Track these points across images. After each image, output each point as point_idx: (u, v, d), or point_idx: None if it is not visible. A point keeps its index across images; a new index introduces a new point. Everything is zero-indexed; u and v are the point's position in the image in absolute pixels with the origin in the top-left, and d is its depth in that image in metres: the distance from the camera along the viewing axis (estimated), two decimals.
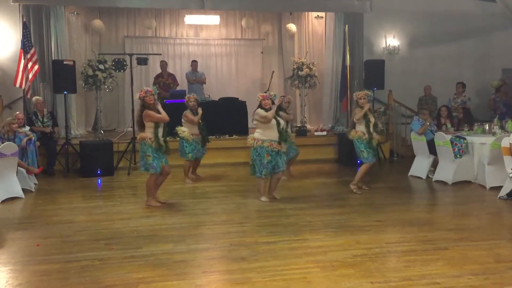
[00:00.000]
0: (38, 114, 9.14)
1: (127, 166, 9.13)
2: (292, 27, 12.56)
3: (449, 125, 8.81)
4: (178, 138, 8.06)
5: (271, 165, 6.60)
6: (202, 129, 8.16)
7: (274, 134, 6.58)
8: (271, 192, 6.90)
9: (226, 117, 10.29)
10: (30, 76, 9.23)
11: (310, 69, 11.20)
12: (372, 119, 7.36)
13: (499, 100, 10.89)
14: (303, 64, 11.24)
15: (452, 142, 7.96)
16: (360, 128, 7.30)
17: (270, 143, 6.53)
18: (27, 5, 9.67)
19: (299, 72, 11.18)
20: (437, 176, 8.27)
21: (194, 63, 11.74)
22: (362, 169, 7.43)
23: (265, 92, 6.96)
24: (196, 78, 11.58)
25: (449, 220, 6.01)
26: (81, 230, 5.58)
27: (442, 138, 8.10)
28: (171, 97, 10.46)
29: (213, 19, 12.45)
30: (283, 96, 8.74)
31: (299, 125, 11.33)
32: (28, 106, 9.56)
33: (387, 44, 11.70)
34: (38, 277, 4.22)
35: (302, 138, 10.35)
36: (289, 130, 8.04)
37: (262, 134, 6.61)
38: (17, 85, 9.20)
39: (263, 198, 6.80)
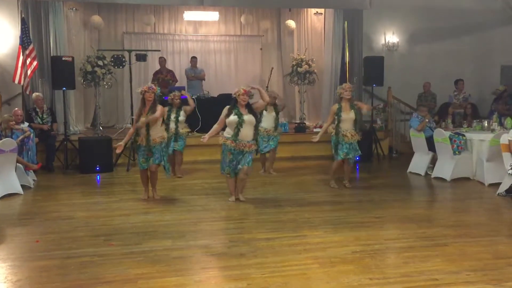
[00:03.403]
0: (38, 110, 9.13)
1: (126, 162, 9.13)
2: (291, 23, 12.53)
3: (449, 120, 8.84)
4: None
5: (232, 163, 6.44)
6: None
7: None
8: (237, 193, 6.70)
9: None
10: (29, 72, 9.20)
11: (309, 65, 11.18)
12: (348, 116, 7.17)
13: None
14: (302, 60, 11.22)
15: (451, 139, 7.96)
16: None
17: (231, 141, 6.35)
18: (25, 0, 9.63)
19: (298, 69, 11.16)
20: (436, 172, 8.28)
21: (193, 59, 11.71)
22: (332, 165, 7.52)
23: (247, 87, 6.59)
24: (195, 74, 11.56)
25: (448, 216, 6.03)
26: (80, 226, 5.59)
27: (441, 135, 8.11)
28: (170, 93, 10.42)
29: (212, 16, 12.41)
30: (268, 91, 8.68)
31: (298, 121, 11.32)
32: (27, 102, 9.54)
33: (387, 41, 11.69)
34: (38, 273, 4.23)
35: (301, 134, 10.35)
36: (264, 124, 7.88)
37: (226, 132, 6.49)
38: (16, 81, 9.18)
39: (230, 198, 6.64)
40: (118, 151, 6.70)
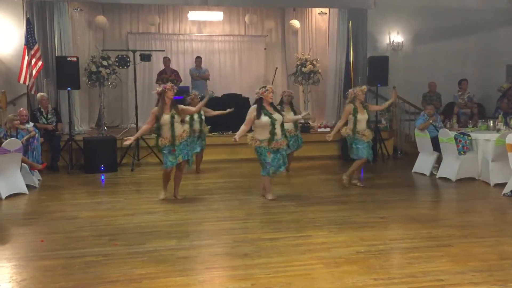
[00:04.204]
0: (43, 110, 9.16)
1: (131, 162, 9.14)
2: (295, 23, 12.53)
3: (454, 120, 8.82)
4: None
5: (275, 162, 6.48)
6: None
7: (268, 134, 6.41)
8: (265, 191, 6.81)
9: (229, 113, 10.25)
10: (34, 72, 9.25)
11: (314, 65, 11.18)
12: (364, 116, 7.30)
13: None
14: (306, 60, 11.22)
15: (456, 139, 7.93)
16: (349, 125, 7.34)
17: (267, 143, 6.39)
18: (30, 1, 9.68)
19: (303, 69, 11.17)
20: (441, 172, 8.25)
21: (198, 59, 11.72)
22: (355, 164, 7.48)
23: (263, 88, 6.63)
24: (199, 74, 11.57)
25: (453, 216, 5.99)
26: (85, 226, 5.59)
27: (446, 135, 8.08)
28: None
29: (216, 15, 12.43)
30: (284, 90, 8.80)
31: (302, 121, 11.30)
32: (32, 102, 9.58)
33: (391, 40, 11.66)
34: (42, 272, 4.23)
35: (306, 134, 10.30)
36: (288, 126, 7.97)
37: (257, 134, 6.47)
38: (21, 81, 9.22)
39: (270, 197, 6.67)
40: (126, 142, 6.60)
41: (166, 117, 6.44)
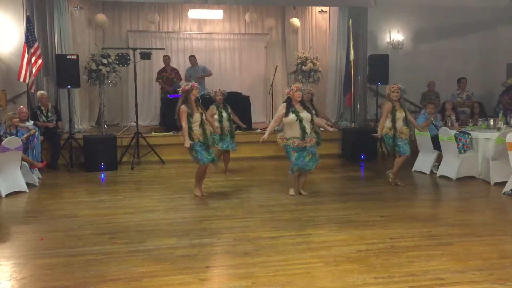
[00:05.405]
0: (43, 108, 9.16)
1: (131, 160, 9.14)
2: (295, 21, 12.51)
3: (453, 117, 8.82)
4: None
5: (299, 161, 6.55)
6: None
7: (295, 132, 6.48)
8: (300, 188, 6.91)
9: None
10: (34, 70, 9.23)
11: (314, 64, 11.17)
12: (401, 114, 7.33)
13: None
14: (306, 58, 11.21)
15: (456, 138, 7.92)
16: (387, 123, 7.37)
17: (293, 141, 6.47)
18: None
19: (303, 67, 11.16)
20: (441, 171, 8.25)
21: (192, 58, 11.63)
22: (398, 161, 7.50)
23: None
24: (204, 73, 11.52)
25: (453, 215, 5.99)
26: (85, 224, 5.60)
27: (447, 133, 8.07)
28: (174, 91, 10.44)
29: (217, 14, 12.41)
30: (304, 88, 8.79)
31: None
32: (32, 100, 9.57)
33: (391, 39, 11.65)
34: (42, 270, 4.23)
35: None
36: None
37: (285, 132, 6.57)
38: (21, 79, 9.21)
39: (291, 192, 6.79)
40: (186, 144, 6.49)
41: (197, 115, 6.53)
